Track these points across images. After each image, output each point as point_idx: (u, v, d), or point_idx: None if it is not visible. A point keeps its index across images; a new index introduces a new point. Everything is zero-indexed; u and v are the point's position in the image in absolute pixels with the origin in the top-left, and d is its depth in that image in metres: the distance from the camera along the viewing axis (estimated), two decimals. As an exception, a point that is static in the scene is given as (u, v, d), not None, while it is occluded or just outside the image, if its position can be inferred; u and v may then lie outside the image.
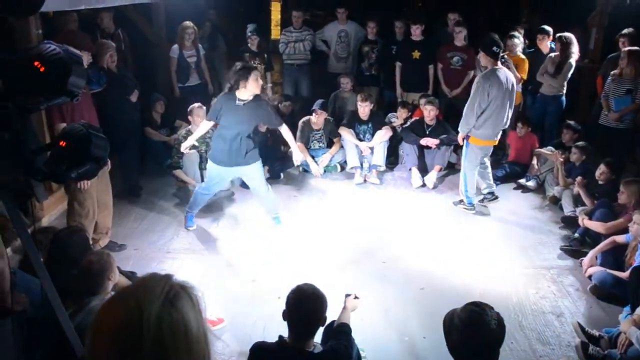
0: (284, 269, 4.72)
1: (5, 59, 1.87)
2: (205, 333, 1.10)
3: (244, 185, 5.88)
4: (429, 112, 6.85)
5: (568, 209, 5.80)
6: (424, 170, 6.85)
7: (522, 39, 7.27)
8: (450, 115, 7.65)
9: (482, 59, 5.57)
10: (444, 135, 6.82)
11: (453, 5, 8.20)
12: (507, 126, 5.87)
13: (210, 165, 5.18)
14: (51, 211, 5.45)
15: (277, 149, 6.95)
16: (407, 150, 6.94)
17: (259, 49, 7.75)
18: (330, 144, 7.16)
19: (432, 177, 6.67)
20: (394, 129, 7.21)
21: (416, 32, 7.55)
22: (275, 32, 8.28)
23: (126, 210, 5.77)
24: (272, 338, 2.76)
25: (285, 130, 5.23)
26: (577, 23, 8.14)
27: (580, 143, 6.25)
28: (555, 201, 6.17)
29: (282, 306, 2.70)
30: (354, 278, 4.63)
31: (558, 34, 6.93)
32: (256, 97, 4.93)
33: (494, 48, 5.40)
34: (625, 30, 6.63)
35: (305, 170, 7.04)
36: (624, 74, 6.05)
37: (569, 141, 6.56)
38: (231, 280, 4.58)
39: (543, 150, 6.71)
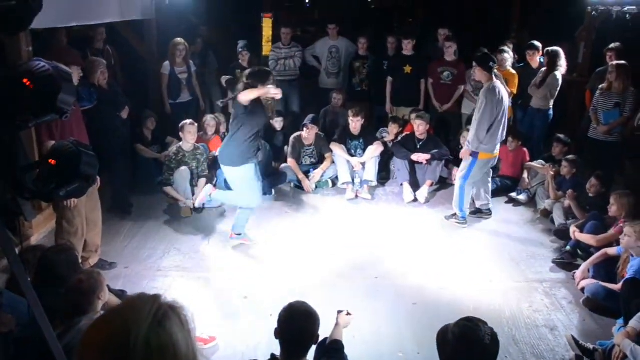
0: (276, 285, 4.68)
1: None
2: (194, 353, 1.08)
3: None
4: (419, 127, 6.88)
5: (559, 222, 5.82)
6: (415, 185, 6.85)
7: (511, 53, 7.34)
8: (441, 130, 7.71)
9: (478, 73, 5.62)
10: (435, 150, 6.85)
11: (443, 20, 8.27)
12: (504, 138, 5.90)
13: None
14: (40, 230, 5.40)
15: (269, 165, 6.94)
16: (399, 166, 6.95)
17: (249, 65, 7.75)
18: (321, 160, 7.16)
19: (423, 192, 6.67)
20: (385, 144, 7.23)
21: (408, 47, 7.61)
22: (266, 49, 8.30)
23: (116, 228, 5.72)
24: (265, 356, 2.73)
25: None
26: (566, 38, 8.24)
27: (570, 156, 6.29)
28: (547, 214, 6.19)
29: (275, 323, 2.68)
30: (346, 294, 4.60)
31: (546, 49, 7.01)
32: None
33: (490, 63, 5.52)
34: (612, 45, 6.72)
35: (297, 186, 7.02)
36: (612, 87, 6.11)
37: (559, 154, 6.60)
38: (223, 297, 4.54)
39: (534, 164, 6.75)
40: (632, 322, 3.56)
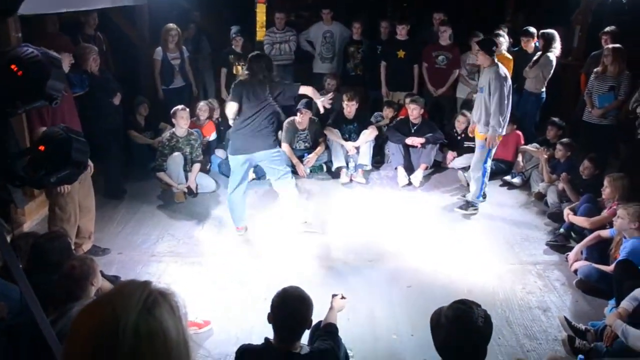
0: (270, 269, 4.70)
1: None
2: (186, 340, 1.08)
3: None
4: (413, 111, 6.87)
5: (553, 204, 5.85)
6: (410, 169, 6.86)
7: (506, 37, 7.31)
8: (436, 114, 7.70)
9: (481, 57, 5.62)
10: (430, 134, 6.84)
11: (438, 4, 8.22)
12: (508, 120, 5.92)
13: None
14: (33, 217, 5.38)
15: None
16: (393, 150, 6.95)
17: (243, 51, 7.70)
18: (315, 144, 7.14)
19: (418, 175, 6.68)
20: (379, 128, 7.22)
21: (402, 32, 7.57)
22: (260, 34, 8.21)
23: (110, 214, 5.71)
24: (259, 340, 2.74)
25: None
26: (561, 21, 8.19)
27: (564, 140, 6.31)
28: (541, 197, 6.22)
29: (268, 308, 2.68)
30: (340, 277, 4.63)
31: (541, 31, 6.98)
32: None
33: (493, 47, 5.60)
34: (607, 28, 6.68)
35: (291, 171, 6.99)
36: (607, 71, 6.09)
37: (554, 138, 6.62)
38: (217, 282, 4.55)
39: (528, 147, 6.76)
40: (624, 303, 3.58)
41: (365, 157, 6.89)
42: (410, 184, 6.66)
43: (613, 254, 4.47)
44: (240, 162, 5.08)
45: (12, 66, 1.88)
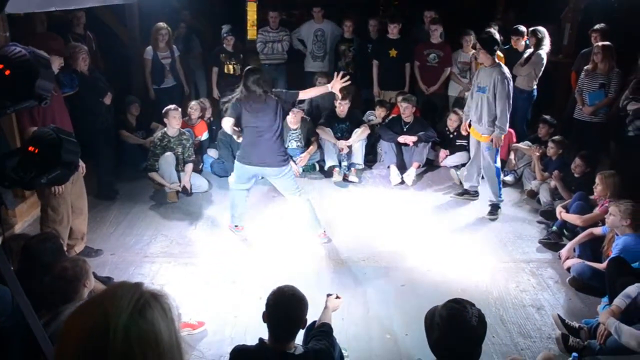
0: (264, 269, 4.68)
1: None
2: (178, 342, 1.07)
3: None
4: (405, 110, 6.88)
5: (545, 202, 5.87)
6: (402, 167, 6.86)
7: (497, 35, 7.31)
8: (428, 112, 7.70)
9: (482, 56, 5.61)
10: (422, 132, 6.85)
11: (429, 3, 8.22)
12: None
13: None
14: (25, 218, 5.34)
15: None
16: (386, 148, 6.95)
17: (234, 50, 7.68)
18: (307, 144, 7.12)
19: (410, 174, 6.68)
20: (372, 127, 7.21)
21: (393, 31, 7.55)
22: (251, 33, 8.22)
23: (102, 214, 5.67)
24: (253, 340, 2.73)
25: None
26: (551, 19, 8.22)
27: (556, 137, 6.33)
28: (533, 195, 6.24)
29: (263, 308, 2.67)
30: (334, 277, 4.62)
31: (531, 28, 7.00)
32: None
33: (495, 47, 5.61)
34: (597, 26, 6.71)
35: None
36: (597, 68, 6.12)
37: (545, 136, 6.64)
38: (211, 282, 4.52)
39: (520, 145, 6.78)
40: (617, 301, 3.60)
41: (358, 155, 6.88)
42: (403, 182, 6.66)
43: (605, 252, 4.49)
44: (246, 171, 5.01)
45: (0, 65, 1.86)
